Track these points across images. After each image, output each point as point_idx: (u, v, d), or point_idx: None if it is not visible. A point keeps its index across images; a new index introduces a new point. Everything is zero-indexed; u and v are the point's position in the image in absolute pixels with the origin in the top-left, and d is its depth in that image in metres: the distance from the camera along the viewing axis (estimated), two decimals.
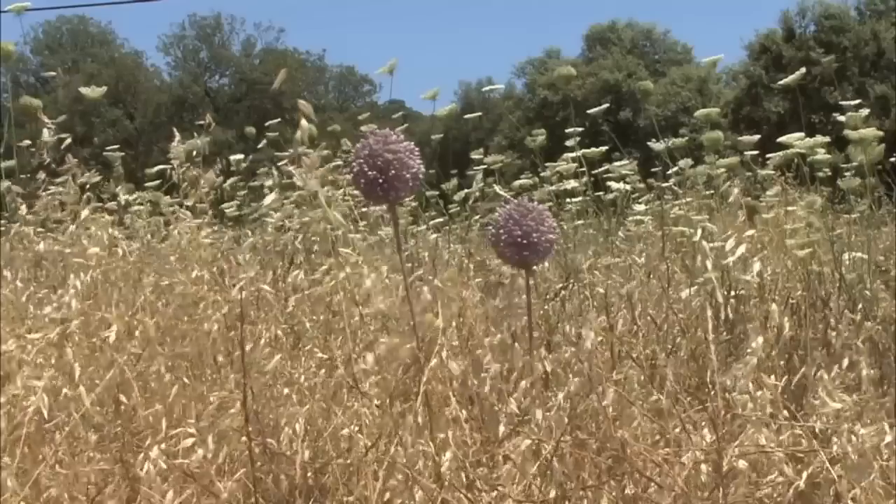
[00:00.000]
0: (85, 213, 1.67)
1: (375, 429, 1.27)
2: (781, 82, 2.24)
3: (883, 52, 19.39)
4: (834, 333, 1.62)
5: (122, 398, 1.44)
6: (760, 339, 1.21)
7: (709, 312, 1.35)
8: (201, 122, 2.08)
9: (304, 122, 1.29)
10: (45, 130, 1.84)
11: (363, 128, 1.95)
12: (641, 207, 2.60)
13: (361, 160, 1.24)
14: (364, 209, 2.07)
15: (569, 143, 2.68)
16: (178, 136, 1.88)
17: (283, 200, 1.76)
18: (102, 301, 1.57)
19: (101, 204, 1.84)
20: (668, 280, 1.89)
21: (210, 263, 1.71)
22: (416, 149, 1.26)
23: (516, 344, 1.32)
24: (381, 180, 1.24)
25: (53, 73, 17.63)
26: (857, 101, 2.05)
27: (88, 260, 1.58)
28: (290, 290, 1.73)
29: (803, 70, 2.17)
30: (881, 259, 2.06)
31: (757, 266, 1.59)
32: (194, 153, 1.93)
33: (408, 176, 1.24)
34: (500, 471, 1.20)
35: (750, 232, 1.60)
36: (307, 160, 1.33)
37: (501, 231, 1.31)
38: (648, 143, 2.72)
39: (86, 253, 1.60)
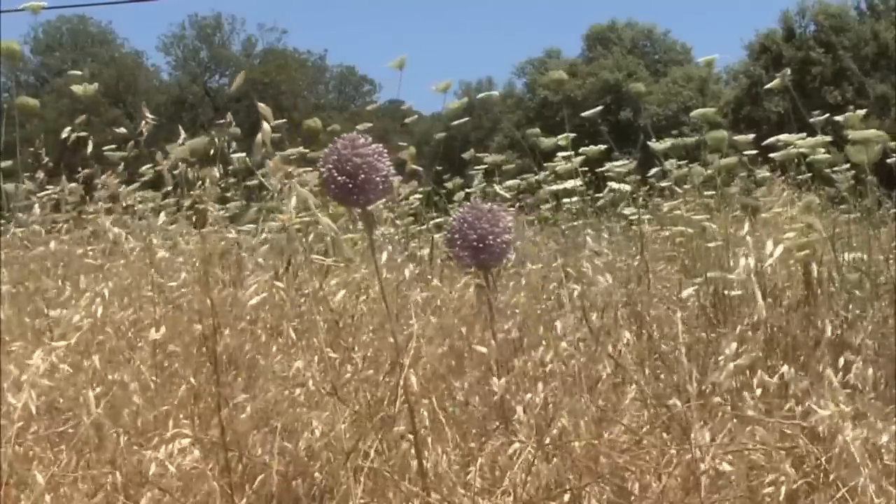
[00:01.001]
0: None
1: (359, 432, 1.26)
2: (769, 85, 2.25)
3: (883, 52, 19.36)
4: (831, 333, 1.61)
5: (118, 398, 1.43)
6: (734, 345, 1.21)
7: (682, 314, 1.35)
8: (220, 122, 2.06)
9: (265, 125, 1.26)
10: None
11: (358, 127, 1.94)
12: (629, 210, 2.60)
13: (330, 165, 1.22)
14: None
15: (560, 142, 2.67)
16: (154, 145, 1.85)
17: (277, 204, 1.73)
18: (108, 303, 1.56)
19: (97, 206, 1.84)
20: (647, 281, 1.88)
21: (208, 264, 1.70)
22: (385, 151, 1.24)
23: (492, 342, 1.31)
24: (350, 185, 1.22)
25: (80, 73, 17.44)
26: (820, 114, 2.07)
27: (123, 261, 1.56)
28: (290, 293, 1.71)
29: (787, 71, 2.17)
30: (878, 258, 2.05)
31: (752, 261, 1.58)
32: (211, 151, 1.91)
33: (378, 179, 1.22)
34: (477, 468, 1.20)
35: (789, 234, 1.58)
36: (270, 163, 1.31)
37: (457, 236, 1.30)
38: (648, 143, 2.71)
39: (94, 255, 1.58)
